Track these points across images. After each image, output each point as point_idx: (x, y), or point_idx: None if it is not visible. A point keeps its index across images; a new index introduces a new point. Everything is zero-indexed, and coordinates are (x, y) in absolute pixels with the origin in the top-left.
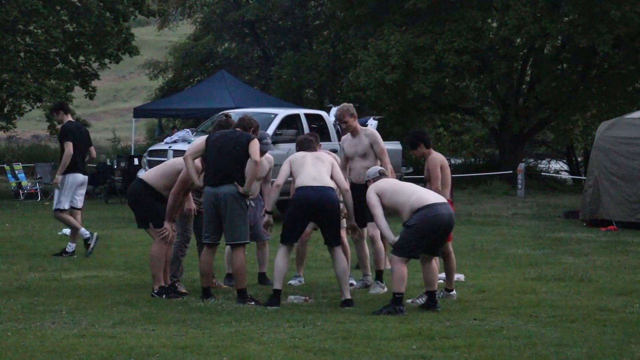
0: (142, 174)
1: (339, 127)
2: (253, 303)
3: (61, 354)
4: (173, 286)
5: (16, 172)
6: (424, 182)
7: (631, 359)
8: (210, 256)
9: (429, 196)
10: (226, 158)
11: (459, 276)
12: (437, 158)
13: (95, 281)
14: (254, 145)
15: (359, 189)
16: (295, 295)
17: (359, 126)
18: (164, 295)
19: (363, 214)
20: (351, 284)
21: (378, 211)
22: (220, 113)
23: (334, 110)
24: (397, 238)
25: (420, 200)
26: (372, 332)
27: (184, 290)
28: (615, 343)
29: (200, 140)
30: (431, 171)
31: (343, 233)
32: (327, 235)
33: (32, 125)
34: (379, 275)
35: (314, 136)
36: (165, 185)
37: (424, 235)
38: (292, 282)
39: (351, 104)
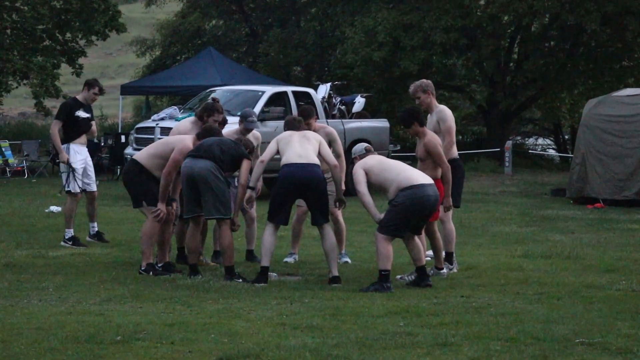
0: (136, 155)
1: (326, 104)
2: (240, 280)
3: (48, 331)
4: (168, 264)
5: (3, 149)
6: (415, 160)
7: (617, 336)
8: (196, 232)
9: (418, 176)
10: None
11: None
12: (435, 138)
13: (82, 258)
14: (245, 167)
15: None
16: (275, 272)
17: (433, 103)
18: (151, 272)
19: None
20: (346, 262)
21: (363, 188)
22: (209, 90)
23: (321, 87)
24: (382, 216)
25: (408, 179)
26: (360, 309)
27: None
28: (602, 320)
29: (187, 142)
30: (434, 154)
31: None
32: (314, 212)
33: (18, 103)
34: (449, 257)
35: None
36: (158, 165)
37: (409, 215)
38: (287, 259)
39: (429, 81)
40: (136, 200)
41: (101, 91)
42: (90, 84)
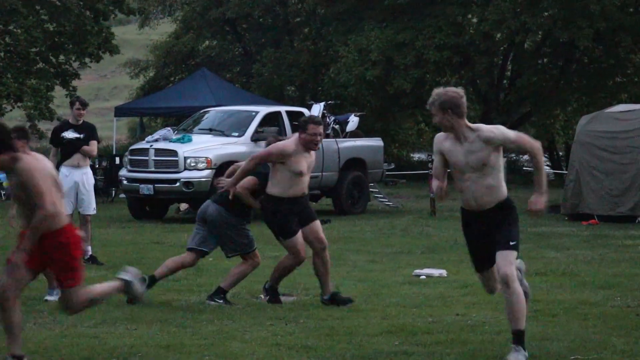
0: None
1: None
2: (222, 302)
3: (43, 354)
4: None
5: None
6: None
7: (613, 352)
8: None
9: None
10: None
11: (441, 272)
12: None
13: None
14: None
15: None
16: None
17: None
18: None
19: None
20: None
21: None
22: (203, 111)
23: (315, 107)
24: None
25: None
26: (355, 329)
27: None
28: (597, 336)
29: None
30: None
31: None
32: None
33: (12, 126)
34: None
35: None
36: None
37: None
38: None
39: None
40: None
41: (83, 105)
42: (71, 102)
